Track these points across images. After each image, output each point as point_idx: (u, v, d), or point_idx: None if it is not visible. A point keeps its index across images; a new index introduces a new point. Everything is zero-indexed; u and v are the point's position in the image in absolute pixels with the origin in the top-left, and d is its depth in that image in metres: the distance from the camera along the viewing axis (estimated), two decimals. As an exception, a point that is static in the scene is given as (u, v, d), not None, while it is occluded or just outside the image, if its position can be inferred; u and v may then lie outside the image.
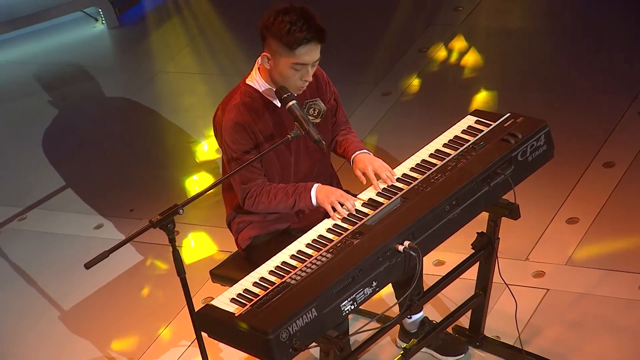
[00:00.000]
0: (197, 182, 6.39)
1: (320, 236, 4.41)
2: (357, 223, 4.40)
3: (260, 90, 4.58)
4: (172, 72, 7.41)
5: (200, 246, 5.98)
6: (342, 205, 4.44)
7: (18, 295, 5.92)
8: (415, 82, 6.77)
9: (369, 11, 7.48)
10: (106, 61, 7.73)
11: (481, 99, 6.39)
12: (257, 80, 4.58)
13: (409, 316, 4.98)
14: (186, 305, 4.33)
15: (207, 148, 6.56)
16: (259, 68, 4.57)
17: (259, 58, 4.54)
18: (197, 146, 6.63)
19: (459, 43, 6.97)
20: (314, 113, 4.58)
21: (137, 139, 6.87)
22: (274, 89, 4.54)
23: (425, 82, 6.78)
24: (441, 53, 6.94)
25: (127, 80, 7.41)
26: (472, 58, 6.85)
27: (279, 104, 4.57)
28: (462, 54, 6.90)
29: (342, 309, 4.20)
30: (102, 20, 7.94)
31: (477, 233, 4.78)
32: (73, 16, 8.04)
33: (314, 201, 4.53)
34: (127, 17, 7.96)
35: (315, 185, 4.55)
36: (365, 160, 4.62)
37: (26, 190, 6.60)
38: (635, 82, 6.28)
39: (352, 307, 4.23)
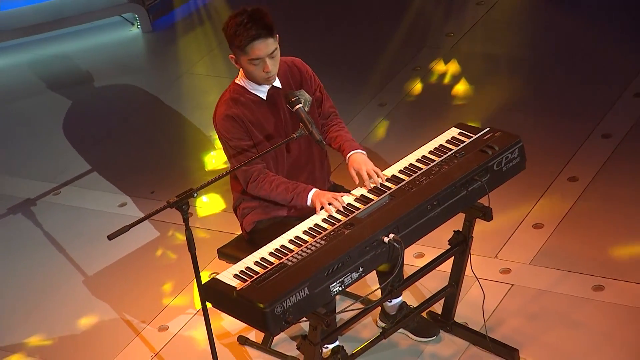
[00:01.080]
0: (211, 171, 6.38)
1: (316, 225, 4.42)
2: (349, 216, 4.41)
3: (247, 87, 4.60)
4: (196, 74, 7.40)
5: (208, 226, 5.97)
6: (330, 204, 4.45)
7: (48, 260, 5.92)
8: (408, 96, 6.76)
9: (372, 32, 7.48)
10: (138, 61, 7.72)
11: (465, 114, 6.39)
12: (242, 80, 4.62)
13: (389, 300, 4.99)
14: (194, 278, 4.34)
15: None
16: (241, 69, 4.60)
17: (230, 57, 4.58)
18: (213, 140, 6.62)
19: (448, 65, 6.97)
20: (301, 103, 4.50)
21: (160, 131, 6.87)
22: (257, 85, 4.58)
23: (417, 96, 6.78)
24: (432, 72, 6.95)
25: (156, 79, 7.40)
26: (459, 78, 6.85)
27: (264, 98, 4.60)
28: (451, 74, 6.90)
29: (331, 289, 4.22)
30: (138, 24, 7.93)
31: (454, 231, 4.79)
32: (112, 20, 8.04)
33: (308, 203, 4.54)
34: (159, 23, 7.95)
35: (313, 190, 4.55)
36: (360, 161, 4.61)
37: (62, 169, 6.60)
38: (599, 109, 6.28)
39: (340, 288, 4.24)
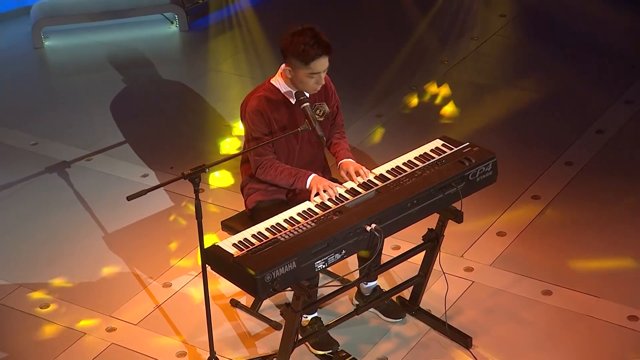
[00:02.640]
0: (224, 155, 6.33)
1: (309, 209, 4.40)
2: (339, 204, 4.40)
3: (281, 90, 4.58)
4: (223, 71, 7.37)
5: (218, 202, 5.92)
6: (325, 191, 4.44)
7: (74, 216, 5.89)
8: (402, 110, 6.73)
9: (376, 52, 7.45)
10: (173, 55, 7.69)
11: (449, 129, 6.36)
12: (279, 82, 4.59)
13: (365, 282, 4.96)
14: (199, 244, 4.31)
15: (236, 131, 6.52)
16: (281, 73, 4.57)
17: (282, 66, 4.55)
18: (230, 129, 6.60)
19: (440, 88, 6.94)
20: (320, 113, 4.60)
21: (185, 116, 6.82)
22: (292, 91, 4.56)
23: (410, 111, 6.74)
24: (425, 92, 6.91)
25: (186, 72, 7.36)
26: (448, 99, 6.82)
27: (293, 102, 4.58)
28: (441, 96, 6.87)
29: (316, 266, 4.21)
30: (176, 23, 7.89)
31: (428, 229, 4.76)
32: (155, 17, 8.00)
33: (307, 185, 4.53)
34: (195, 24, 7.91)
35: (312, 174, 4.55)
36: (349, 164, 4.63)
37: (96, 139, 6.56)
38: (565, 140, 6.25)
39: (324, 266, 4.24)
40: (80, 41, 7.79)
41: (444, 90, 6.90)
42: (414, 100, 6.82)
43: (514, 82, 7.00)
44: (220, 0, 8.06)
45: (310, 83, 4.50)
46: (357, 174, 4.55)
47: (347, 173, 4.58)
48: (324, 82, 4.54)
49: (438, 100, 6.82)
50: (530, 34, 7.59)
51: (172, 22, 7.94)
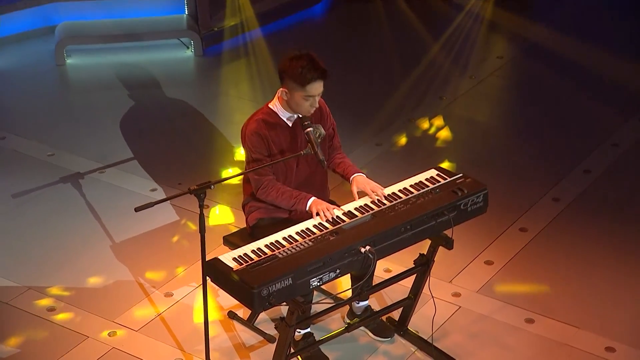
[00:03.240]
0: (229, 173, 6.32)
1: (308, 229, 4.36)
2: (336, 225, 4.36)
3: (278, 114, 4.57)
4: (233, 95, 7.35)
5: (221, 219, 5.88)
6: (324, 213, 4.41)
7: (84, 224, 5.85)
8: (401, 140, 6.70)
9: (380, 84, 7.43)
10: (187, 78, 7.67)
11: (444, 160, 6.36)
12: (276, 106, 4.59)
13: (357, 302, 4.91)
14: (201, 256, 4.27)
15: (241, 153, 6.49)
16: (278, 97, 4.56)
17: (279, 90, 4.53)
18: (236, 150, 6.56)
19: (437, 121, 6.92)
20: (317, 134, 4.52)
21: (195, 136, 6.80)
22: (289, 114, 4.56)
23: (408, 141, 6.71)
24: (424, 124, 6.89)
25: (198, 94, 7.34)
26: (444, 133, 6.80)
27: (290, 125, 4.58)
28: (438, 128, 6.85)
29: (311, 283, 4.17)
30: (192, 49, 7.88)
31: (420, 254, 4.72)
32: (172, 41, 7.99)
33: (307, 208, 4.49)
34: (210, 50, 7.89)
35: (312, 198, 4.51)
36: (363, 181, 4.61)
37: (109, 153, 6.53)
38: (554, 178, 6.22)
39: (318, 283, 4.19)
40: (101, 60, 7.77)
41: (441, 124, 6.87)
42: (412, 132, 6.79)
43: (507, 120, 6.99)
44: (234, 29, 8.04)
45: (305, 105, 4.48)
46: (372, 191, 4.52)
47: (360, 192, 4.54)
48: (317, 106, 4.52)
49: (435, 133, 6.79)
50: (525, 75, 7.58)
51: (187, 47, 7.92)
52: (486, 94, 7.31)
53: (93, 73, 7.63)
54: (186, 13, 8.08)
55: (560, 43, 7.91)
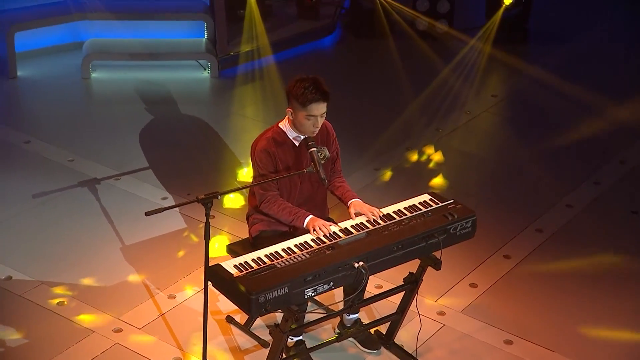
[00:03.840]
0: (235, 186, 6.27)
1: (306, 242, 4.34)
2: (332, 241, 4.32)
3: (287, 133, 4.54)
4: (244, 115, 7.34)
5: (225, 229, 5.85)
6: (320, 229, 4.38)
7: (97, 226, 5.82)
8: (397, 167, 6.68)
9: (382, 114, 7.41)
10: (202, 97, 7.66)
11: (437, 186, 6.34)
12: (286, 126, 4.56)
13: (348, 314, 4.86)
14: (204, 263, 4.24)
15: (249, 169, 6.46)
16: (287, 118, 4.53)
17: (287, 110, 4.52)
18: (243, 166, 6.54)
19: (433, 151, 6.89)
20: (321, 155, 4.49)
21: (204, 151, 6.77)
22: (297, 134, 4.53)
23: (404, 168, 6.69)
24: (419, 153, 6.87)
25: (212, 113, 7.33)
26: (438, 162, 6.77)
27: (297, 144, 4.54)
28: (433, 158, 6.82)
29: (306, 293, 4.13)
30: (209, 70, 7.87)
31: (409, 272, 4.67)
32: (191, 63, 7.98)
33: (304, 225, 4.45)
34: (225, 73, 7.88)
35: (310, 216, 4.47)
36: (361, 204, 4.56)
37: (125, 162, 6.51)
38: (538, 210, 6.17)
39: (312, 294, 4.15)
40: (123, 76, 7.76)
41: (436, 154, 6.84)
42: (409, 159, 6.76)
43: (498, 154, 6.95)
44: (249, 54, 8.04)
45: (307, 125, 4.44)
46: (370, 211, 4.48)
47: (358, 214, 4.49)
48: (319, 127, 4.47)
49: (429, 162, 6.76)
50: (516, 114, 7.55)
51: (205, 69, 7.92)
52: (480, 128, 7.29)
53: (115, 87, 7.62)
54: (205, 37, 8.08)
55: (551, 84, 7.89)
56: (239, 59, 8.00)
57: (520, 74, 8.13)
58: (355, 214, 4.52)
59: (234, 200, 6.10)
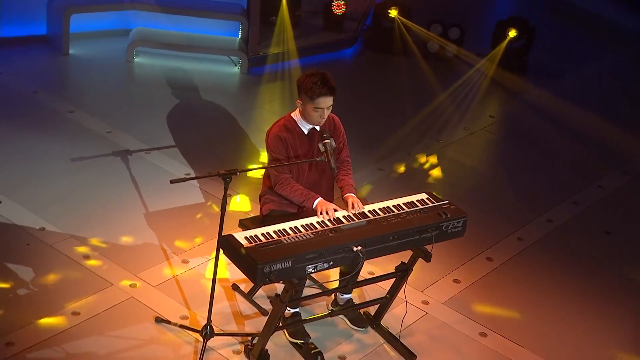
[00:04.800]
0: (253, 170, 6.22)
1: (311, 223, 4.27)
2: (336, 225, 4.25)
3: (297, 122, 4.49)
4: (265, 109, 7.26)
5: (239, 206, 5.78)
6: (327, 213, 4.31)
7: (125, 192, 5.76)
8: (399, 169, 6.60)
9: (387, 120, 7.32)
10: (230, 90, 7.59)
11: (432, 189, 6.21)
12: (297, 116, 4.51)
13: (342, 293, 4.80)
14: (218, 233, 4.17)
15: (265, 155, 6.36)
16: (298, 109, 4.48)
17: (297, 102, 4.47)
18: (261, 153, 6.46)
19: (432, 158, 6.82)
20: (330, 144, 4.41)
21: (227, 137, 6.70)
22: (305, 123, 4.48)
23: (405, 171, 6.60)
24: (420, 159, 6.79)
25: (237, 104, 7.26)
26: (436, 169, 6.70)
27: (305, 132, 4.48)
28: (432, 164, 6.74)
29: (307, 269, 4.07)
30: (239, 66, 7.80)
31: (401, 261, 4.59)
32: (224, 58, 7.91)
33: (314, 206, 4.38)
34: (253, 70, 7.82)
35: (319, 198, 4.40)
36: (351, 197, 4.47)
37: (156, 139, 6.45)
38: (522, 219, 6.10)
39: (313, 270, 4.09)
40: (163, 63, 7.70)
41: (434, 162, 6.76)
42: (410, 164, 6.68)
43: (490, 167, 6.88)
44: (276, 56, 7.97)
45: (314, 116, 4.39)
46: (352, 206, 4.41)
47: (349, 203, 4.44)
48: (325, 118, 4.42)
49: (428, 168, 6.68)
50: (509, 134, 7.46)
51: (235, 65, 7.84)
52: (476, 143, 7.20)
53: (154, 72, 7.56)
54: (239, 37, 8.01)
55: (543, 111, 7.82)
56: (267, 59, 7.93)
57: (516, 99, 8.04)
58: (348, 205, 4.42)
59: (250, 182, 6.02)
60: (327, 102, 4.34)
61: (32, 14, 7.71)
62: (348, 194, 4.52)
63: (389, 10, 8.55)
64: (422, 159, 6.78)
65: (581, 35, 9.78)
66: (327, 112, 4.39)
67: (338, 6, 8.48)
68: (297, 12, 8.51)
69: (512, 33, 8.41)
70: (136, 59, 7.68)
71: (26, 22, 7.69)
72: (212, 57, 7.85)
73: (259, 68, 7.87)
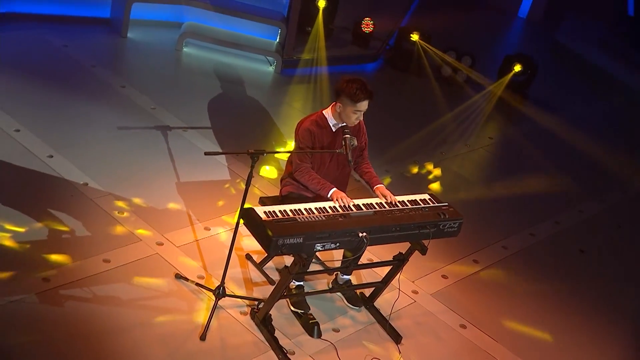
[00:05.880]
0: (281, 153, 6.14)
1: (324, 207, 4.19)
2: (346, 212, 4.16)
3: (327, 120, 4.40)
4: (293, 107, 7.18)
5: (268, 173, 5.75)
6: (339, 200, 4.25)
7: (162, 162, 5.69)
8: (404, 173, 6.53)
9: (398, 129, 7.23)
10: (263, 86, 7.50)
11: (434, 192, 6.16)
12: (328, 114, 4.42)
13: (342, 274, 4.72)
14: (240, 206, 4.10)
15: (289, 145, 6.31)
16: (332, 108, 4.39)
17: (334, 104, 4.36)
18: (285, 143, 6.38)
19: (433, 168, 6.72)
20: (351, 143, 4.34)
21: (256, 126, 6.62)
22: (335, 122, 4.38)
23: (409, 176, 6.52)
24: (423, 167, 6.70)
25: (269, 99, 7.18)
26: (436, 177, 6.60)
27: (333, 130, 4.39)
28: (433, 173, 6.65)
29: (315, 247, 3.99)
30: (273, 66, 7.73)
31: (399, 252, 4.51)
32: (260, 57, 7.82)
33: (328, 195, 4.30)
34: (286, 71, 7.73)
35: (334, 188, 4.32)
36: (384, 189, 4.41)
37: (194, 120, 6.37)
38: (508, 230, 6.00)
39: (321, 249, 4.02)
40: (207, 55, 7.62)
41: (436, 171, 6.67)
42: (414, 170, 6.59)
43: (485, 181, 6.77)
44: (308, 62, 7.88)
45: (352, 118, 4.32)
46: (383, 195, 4.36)
47: (382, 194, 4.37)
48: (361, 119, 4.35)
49: (430, 175, 6.58)
50: (504, 155, 7.35)
51: (270, 65, 7.76)
52: (474, 159, 7.11)
53: (199, 62, 7.48)
54: (277, 40, 7.94)
55: (536, 139, 7.72)
56: (299, 63, 7.85)
57: (514, 126, 7.95)
58: (380, 195, 4.38)
59: (270, 171, 5.94)
60: (366, 105, 4.30)
61: (100, -1, 7.69)
62: (378, 185, 4.46)
63: (411, 34, 8.46)
64: (426, 167, 6.69)
65: (577, 78, 9.67)
66: (361, 115, 4.34)
67: (367, 25, 8.40)
68: (331, 25, 8.42)
69: (517, 67, 8.32)
70: (184, 49, 7.61)
71: (94, 5, 7.65)
72: (251, 55, 7.77)
73: (290, 70, 7.79)
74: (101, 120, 6.02)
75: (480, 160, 7.18)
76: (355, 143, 4.38)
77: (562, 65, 9.93)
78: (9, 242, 4.47)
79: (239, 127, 6.50)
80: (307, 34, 8.12)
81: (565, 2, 11.29)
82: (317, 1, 8.07)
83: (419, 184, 6.40)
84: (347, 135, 4.29)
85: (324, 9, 8.11)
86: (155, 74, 7.06)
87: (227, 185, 5.60)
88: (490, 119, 7.95)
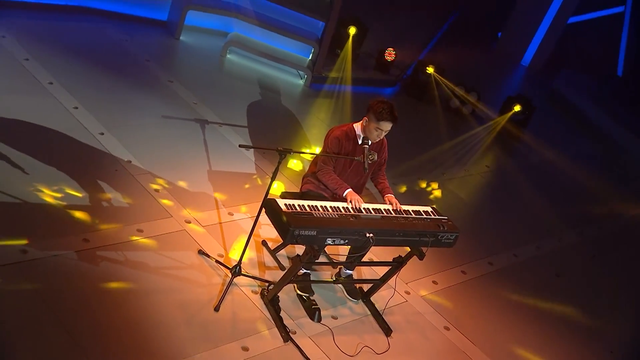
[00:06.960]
0: (306, 154, 6.06)
1: (338, 207, 4.12)
2: (357, 213, 4.10)
3: (356, 131, 4.33)
4: (319, 118, 7.12)
5: (295, 166, 5.71)
6: (352, 202, 4.18)
7: (196, 151, 5.61)
8: (410, 188, 6.45)
9: (407, 150, 7.13)
10: (293, 96, 7.43)
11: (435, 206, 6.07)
12: (358, 127, 4.34)
13: (346, 268, 4.64)
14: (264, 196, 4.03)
15: (311, 150, 6.24)
16: (361, 122, 4.31)
17: (364, 118, 4.29)
18: (312, 147, 6.31)
19: (435, 187, 6.64)
20: (371, 157, 4.28)
21: (284, 131, 6.55)
22: (362, 135, 4.30)
23: (414, 190, 6.44)
24: (427, 185, 6.62)
25: (297, 110, 7.11)
26: (436, 194, 6.51)
27: (359, 142, 4.30)
28: (434, 191, 6.56)
29: (326, 240, 3.91)
30: (304, 80, 7.67)
31: (399, 255, 4.44)
32: (293, 70, 7.74)
33: (344, 194, 4.24)
34: (314, 86, 7.68)
35: (350, 189, 4.27)
36: (392, 197, 4.37)
37: (230, 117, 6.30)
38: (495, 248, 5.90)
39: (331, 243, 3.96)
40: (247, 63, 7.57)
41: (436, 190, 6.58)
42: (417, 186, 6.51)
43: (479, 202, 6.68)
44: (335, 79, 7.82)
45: (374, 134, 4.25)
46: (391, 203, 4.32)
47: (390, 202, 4.33)
48: (382, 138, 4.29)
49: (430, 192, 6.50)
50: (497, 183, 7.25)
51: (301, 78, 7.71)
52: (471, 183, 7.02)
53: (240, 68, 7.43)
54: (309, 58, 7.88)
55: (528, 172, 7.63)
56: (327, 80, 7.78)
57: (509, 158, 7.86)
58: (388, 202, 4.34)
59: (296, 164, 5.87)
60: (388, 126, 4.24)
61: (160, 3, 7.64)
62: (389, 195, 4.41)
63: (428, 67, 8.39)
64: (427, 185, 6.61)
65: (568, 123, 9.58)
66: (383, 134, 4.29)
67: (389, 54, 8.34)
68: (358, 51, 8.37)
69: (517, 107, 8.23)
70: (228, 56, 7.56)
71: (154, 7, 7.63)
72: (285, 68, 7.71)
73: (319, 85, 7.73)
74: (148, 108, 5.98)
75: (477, 184, 7.09)
76: (376, 158, 4.33)
77: (557, 110, 9.84)
78: (57, 203, 4.43)
79: (269, 129, 6.44)
80: (336, 55, 8.07)
81: (564, 56, 11.22)
82: (349, 28, 8.04)
83: (421, 198, 6.32)
84: (365, 146, 4.22)
85: (354, 36, 8.07)
86: (200, 74, 7.02)
87: (253, 178, 5.54)
88: (488, 149, 7.86)
